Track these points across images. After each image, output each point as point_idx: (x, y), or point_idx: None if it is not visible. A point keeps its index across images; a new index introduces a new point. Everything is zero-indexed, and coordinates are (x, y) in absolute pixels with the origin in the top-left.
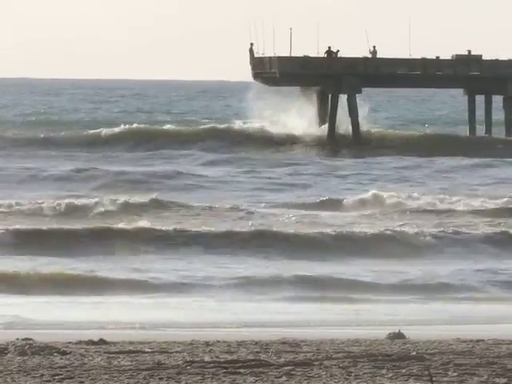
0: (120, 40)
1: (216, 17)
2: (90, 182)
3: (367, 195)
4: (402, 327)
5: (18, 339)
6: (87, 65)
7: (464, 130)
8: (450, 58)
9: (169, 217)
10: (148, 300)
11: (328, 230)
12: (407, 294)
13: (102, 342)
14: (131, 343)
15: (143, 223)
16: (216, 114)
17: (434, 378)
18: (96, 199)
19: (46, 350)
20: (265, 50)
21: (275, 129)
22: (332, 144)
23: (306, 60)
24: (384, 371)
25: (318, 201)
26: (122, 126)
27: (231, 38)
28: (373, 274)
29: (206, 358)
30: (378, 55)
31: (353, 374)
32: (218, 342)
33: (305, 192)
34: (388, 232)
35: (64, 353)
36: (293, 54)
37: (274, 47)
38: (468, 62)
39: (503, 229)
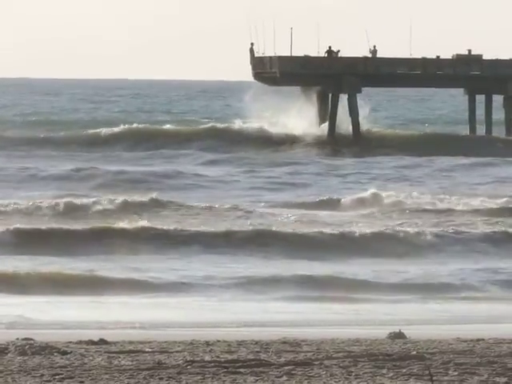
0: (120, 40)
1: (216, 17)
2: (89, 182)
3: (366, 194)
4: (402, 327)
5: (18, 339)
6: (87, 65)
7: (464, 130)
8: (450, 57)
9: (168, 216)
10: (148, 300)
11: (327, 230)
12: (407, 293)
13: (102, 341)
14: (131, 343)
15: (143, 223)
16: (216, 114)
17: (434, 378)
18: (95, 199)
19: (47, 349)
20: (265, 50)
21: (275, 128)
22: (332, 143)
23: (306, 60)
24: (384, 371)
25: (317, 200)
26: (122, 126)
27: (231, 37)
28: (373, 274)
29: (207, 358)
30: (379, 55)
31: (353, 374)
32: (219, 341)
33: (304, 191)
34: (388, 231)
35: (64, 353)
36: (293, 54)
37: (275, 47)
38: (468, 61)
39: (503, 228)
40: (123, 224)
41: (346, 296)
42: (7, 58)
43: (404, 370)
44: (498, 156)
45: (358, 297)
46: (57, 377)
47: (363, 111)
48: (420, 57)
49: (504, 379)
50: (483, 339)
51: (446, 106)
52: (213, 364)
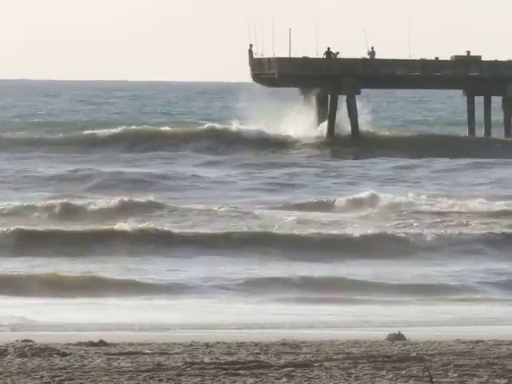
0: (120, 40)
1: (215, 18)
2: (87, 183)
3: (365, 195)
4: (401, 328)
5: (17, 341)
6: (87, 66)
7: (463, 131)
8: (449, 58)
9: (166, 218)
10: (147, 301)
11: (326, 231)
12: (407, 295)
13: (101, 343)
14: (131, 345)
15: (141, 224)
16: (214, 116)
17: (434, 379)
18: (93, 200)
19: (46, 351)
20: (264, 51)
21: (273, 130)
22: (331, 145)
23: (305, 61)
24: (384, 372)
25: (315, 201)
26: (120, 127)
27: (230, 38)
28: (372, 275)
29: (206, 360)
30: (378, 56)
31: (353, 376)
32: (218, 343)
33: (303, 193)
34: (387, 233)
35: (64, 354)
36: (292, 55)
37: (273, 48)
38: (467, 62)
39: (502, 229)
40: (121, 225)
41: (345, 297)
42: (7, 59)
43: (403, 372)
44: (496, 157)
45: (357, 298)
46: (56, 378)
47: (362, 113)
48: (419, 58)
49: (504, 381)
50: (483, 341)
51: (445, 108)
52: (212, 366)
